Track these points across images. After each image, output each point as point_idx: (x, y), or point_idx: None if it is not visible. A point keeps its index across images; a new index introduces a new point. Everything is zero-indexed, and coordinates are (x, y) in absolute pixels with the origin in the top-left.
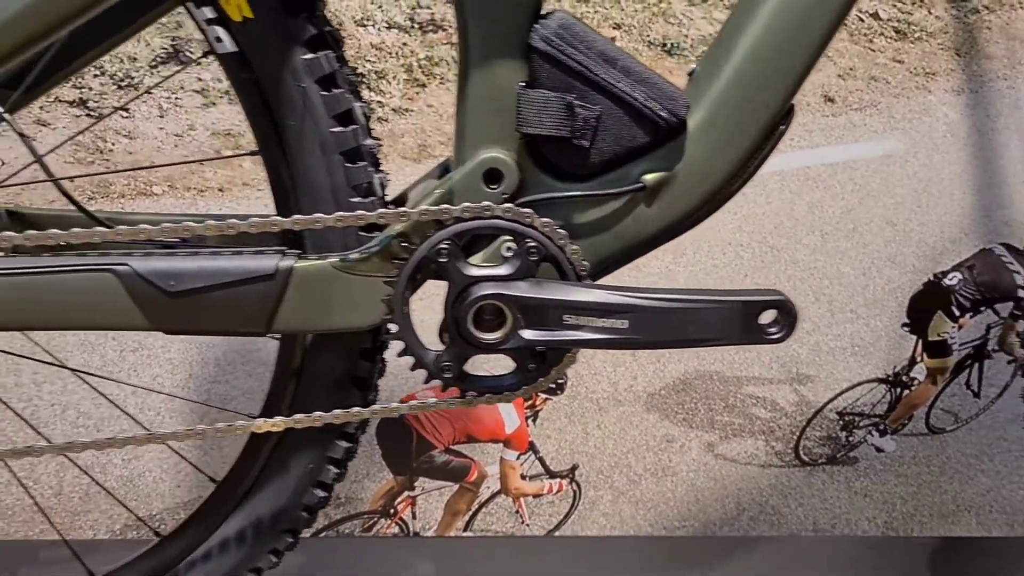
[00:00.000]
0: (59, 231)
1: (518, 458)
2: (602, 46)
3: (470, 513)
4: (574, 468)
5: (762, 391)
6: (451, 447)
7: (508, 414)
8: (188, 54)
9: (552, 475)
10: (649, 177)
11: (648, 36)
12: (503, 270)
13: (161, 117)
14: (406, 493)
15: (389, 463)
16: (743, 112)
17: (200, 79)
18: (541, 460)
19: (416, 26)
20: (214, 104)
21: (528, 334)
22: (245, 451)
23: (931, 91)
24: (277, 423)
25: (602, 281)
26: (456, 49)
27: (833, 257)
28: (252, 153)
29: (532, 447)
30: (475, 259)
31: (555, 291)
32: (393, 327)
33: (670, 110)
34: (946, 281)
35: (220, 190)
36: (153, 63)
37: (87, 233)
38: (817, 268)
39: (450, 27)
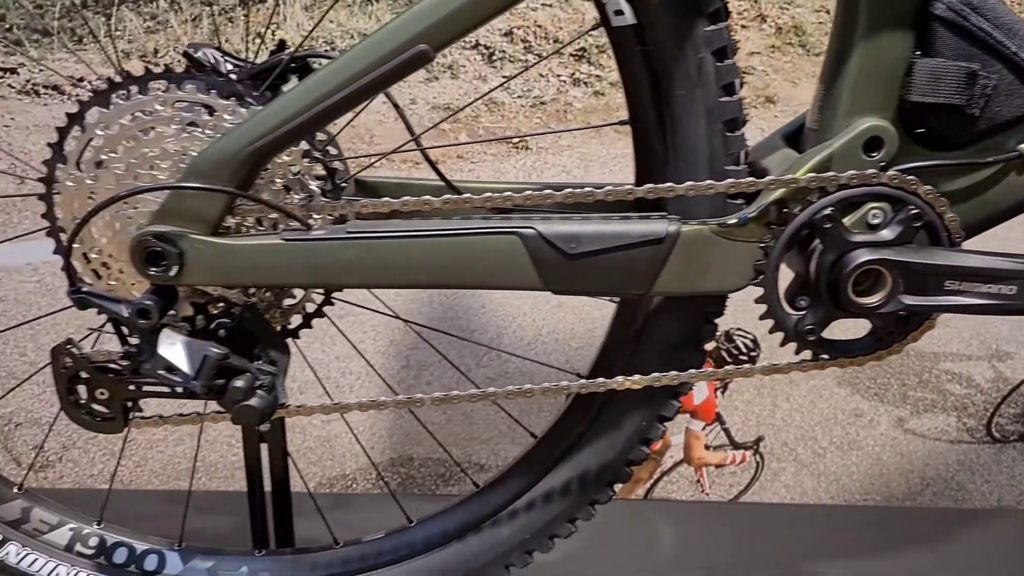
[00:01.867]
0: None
1: (704, 428)
2: (1004, 15)
3: (652, 480)
4: (759, 440)
5: (959, 367)
6: None
7: (698, 386)
8: None
9: (736, 446)
10: None
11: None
12: (886, 235)
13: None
14: None
15: None
16: None
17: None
18: (727, 431)
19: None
20: (436, 79)
21: (909, 299)
22: (571, 409)
23: None
24: (636, 381)
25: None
26: (833, 18)
27: None
28: (622, 123)
29: (719, 418)
30: (849, 219)
31: (943, 257)
32: (761, 290)
33: None
34: None
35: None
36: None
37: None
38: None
39: None
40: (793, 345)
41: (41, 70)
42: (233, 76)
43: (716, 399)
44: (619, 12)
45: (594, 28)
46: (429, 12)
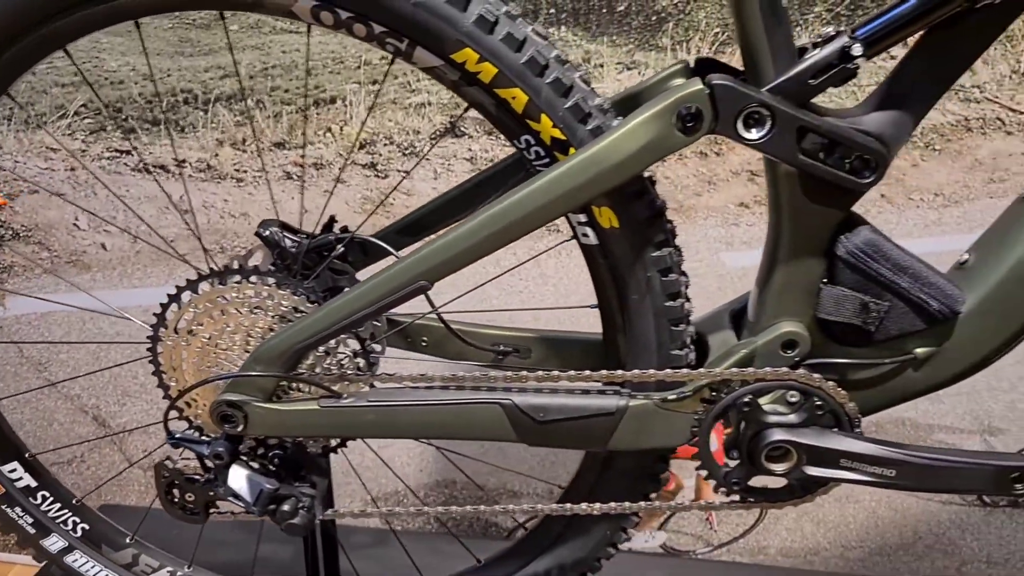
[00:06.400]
0: (457, 376)
1: None
2: (896, 256)
3: (665, 516)
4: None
5: (952, 438)
6: None
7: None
8: (462, 129)
9: None
10: (920, 350)
11: None
12: (794, 418)
13: (435, 179)
14: None
15: None
16: (1012, 306)
17: (470, 149)
18: None
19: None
20: (479, 171)
21: (811, 470)
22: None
23: None
24: (595, 509)
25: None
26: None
27: None
28: (592, 307)
29: None
30: (765, 400)
31: (839, 442)
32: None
33: (948, 306)
34: None
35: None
36: (432, 135)
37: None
38: None
39: None
40: None
41: (151, 153)
42: (292, 249)
43: None
44: (585, 235)
45: (567, 241)
46: (427, 258)
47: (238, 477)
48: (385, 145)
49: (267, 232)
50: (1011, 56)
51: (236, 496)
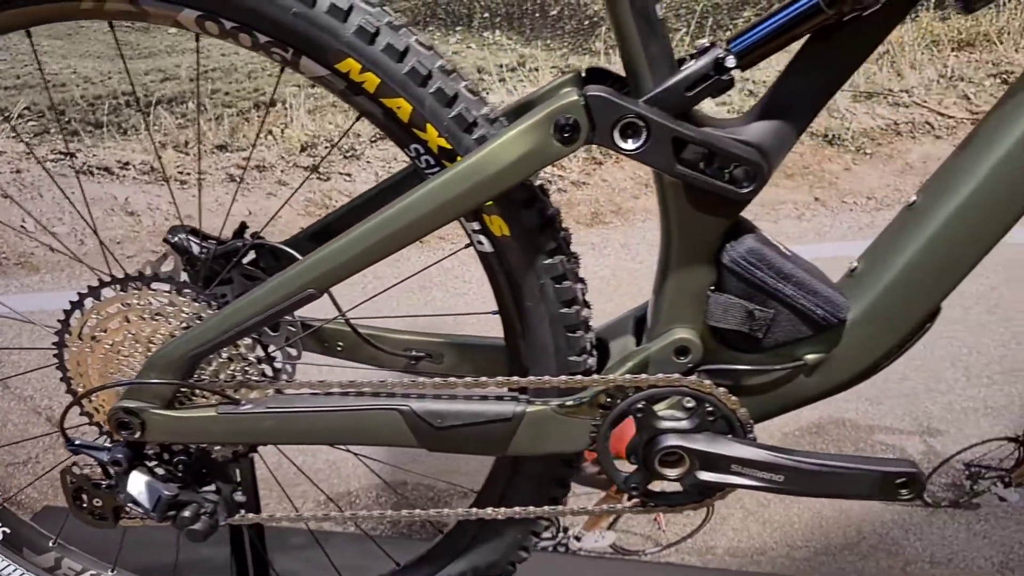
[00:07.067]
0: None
1: None
2: (780, 264)
3: (612, 517)
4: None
5: (892, 439)
6: None
7: None
8: None
9: None
10: (810, 357)
11: (810, 127)
12: (686, 424)
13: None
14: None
15: None
16: (899, 312)
17: None
18: None
19: None
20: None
21: (703, 475)
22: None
23: None
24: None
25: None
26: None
27: (974, 329)
28: (493, 312)
29: None
30: (662, 406)
31: (728, 448)
32: (594, 457)
33: (832, 313)
34: None
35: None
36: (372, 138)
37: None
38: (956, 337)
39: None
40: None
41: (94, 155)
42: (201, 255)
43: None
44: (480, 243)
45: (465, 247)
46: (316, 266)
47: (137, 483)
48: (325, 147)
49: (175, 238)
50: (938, 61)
51: (135, 502)
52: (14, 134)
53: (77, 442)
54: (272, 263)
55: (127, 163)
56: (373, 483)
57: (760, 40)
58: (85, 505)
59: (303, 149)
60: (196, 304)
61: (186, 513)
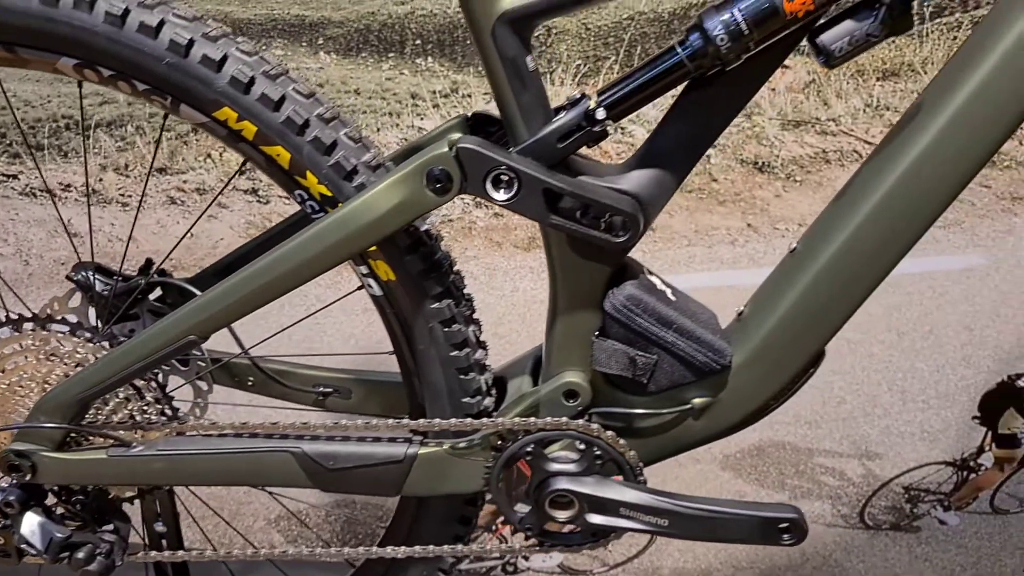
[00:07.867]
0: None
1: None
2: (661, 311)
3: None
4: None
5: (831, 462)
6: None
7: None
8: None
9: None
10: (697, 400)
11: (741, 155)
12: (575, 467)
13: None
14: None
15: None
16: (782, 356)
17: None
18: None
19: None
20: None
21: (592, 518)
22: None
23: (1017, 214)
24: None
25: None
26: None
27: (908, 354)
28: (391, 352)
29: None
30: (554, 448)
31: (614, 492)
32: (490, 496)
33: (714, 360)
34: (1020, 383)
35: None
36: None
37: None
38: (892, 362)
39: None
40: None
41: (36, 177)
42: (104, 293)
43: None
44: (370, 286)
45: (358, 289)
46: (196, 313)
47: (30, 524)
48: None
49: (78, 276)
50: (864, 90)
51: (28, 543)
52: None
53: None
54: (179, 300)
55: (69, 185)
56: (287, 511)
57: (629, 93)
58: None
59: (242, 172)
60: (91, 345)
61: (80, 554)
